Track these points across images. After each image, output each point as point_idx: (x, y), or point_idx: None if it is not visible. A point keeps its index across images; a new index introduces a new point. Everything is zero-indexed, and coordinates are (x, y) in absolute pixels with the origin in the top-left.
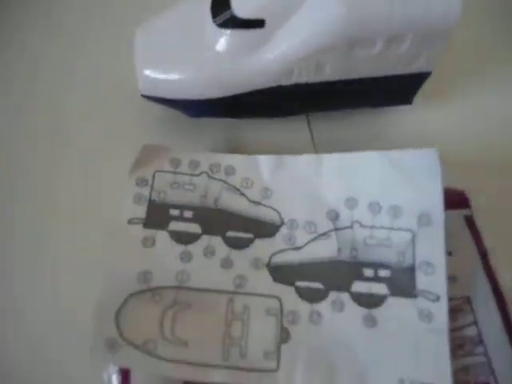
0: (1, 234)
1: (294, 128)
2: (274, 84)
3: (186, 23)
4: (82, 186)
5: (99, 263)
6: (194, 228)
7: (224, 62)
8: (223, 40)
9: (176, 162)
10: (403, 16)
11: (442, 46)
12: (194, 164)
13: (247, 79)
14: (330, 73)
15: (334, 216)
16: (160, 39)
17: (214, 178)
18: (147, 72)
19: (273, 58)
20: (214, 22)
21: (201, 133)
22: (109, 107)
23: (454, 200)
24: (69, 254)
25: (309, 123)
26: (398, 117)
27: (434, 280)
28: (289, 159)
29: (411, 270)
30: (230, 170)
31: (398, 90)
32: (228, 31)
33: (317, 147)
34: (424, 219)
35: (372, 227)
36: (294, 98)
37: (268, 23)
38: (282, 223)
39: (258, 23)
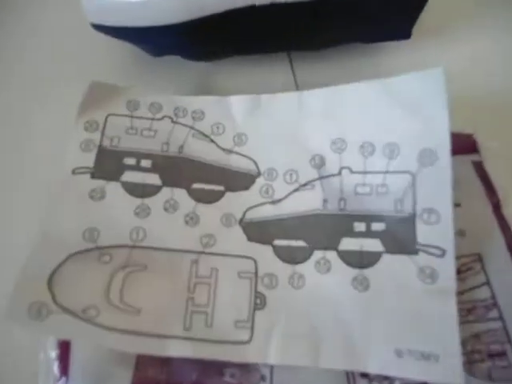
0: None
1: (273, 71)
2: (245, 3)
3: None
4: (22, 131)
5: (37, 220)
6: (153, 179)
7: None
8: None
9: (133, 105)
10: None
11: None
12: (156, 107)
13: None
14: None
15: (319, 162)
16: None
17: (179, 123)
18: None
19: None
20: None
21: (166, 77)
22: (58, 42)
23: (460, 144)
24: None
25: (291, 63)
26: (393, 56)
27: (438, 231)
28: (266, 99)
29: (411, 221)
30: (199, 115)
31: (392, 14)
32: None
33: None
34: (426, 157)
35: (364, 173)
36: (272, 27)
37: None
38: (259, 173)
39: None
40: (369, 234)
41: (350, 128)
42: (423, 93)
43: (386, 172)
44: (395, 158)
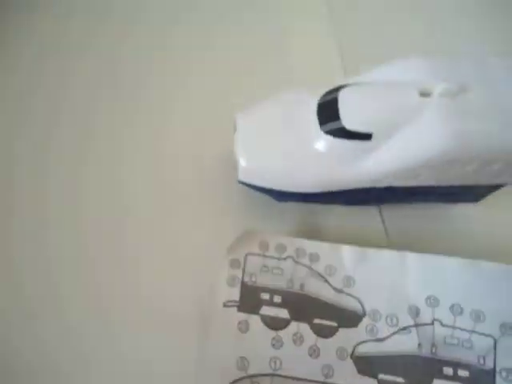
0: None
1: (366, 214)
2: (367, 185)
3: (287, 117)
4: (175, 264)
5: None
6: (283, 313)
7: (326, 163)
8: (328, 145)
9: (264, 245)
10: (503, 143)
11: None
12: (281, 248)
13: (345, 182)
14: (424, 179)
15: (415, 312)
16: (261, 130)
17: (299, 263)
18: (247, 163)
19: (374, 167)
20: (322, 129)
21: (283, 215)
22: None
23: None
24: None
25: (380, 212)
26: (467, 212)
27: None
28: (372, 253)
29: (491, 374)
30: (315, 257)
31: (473, 193)
32: (335, 139)
33: (389, 234)
34: (507, 328)
35: (453, 327)
36: (378, 197)
37: (374, 137)
38: (364, 313)
39: (365, 136)
40: (455, 378)
41: (442, 290)
42: (507, 281)
43: (472, 331)
44: (481, 322)
